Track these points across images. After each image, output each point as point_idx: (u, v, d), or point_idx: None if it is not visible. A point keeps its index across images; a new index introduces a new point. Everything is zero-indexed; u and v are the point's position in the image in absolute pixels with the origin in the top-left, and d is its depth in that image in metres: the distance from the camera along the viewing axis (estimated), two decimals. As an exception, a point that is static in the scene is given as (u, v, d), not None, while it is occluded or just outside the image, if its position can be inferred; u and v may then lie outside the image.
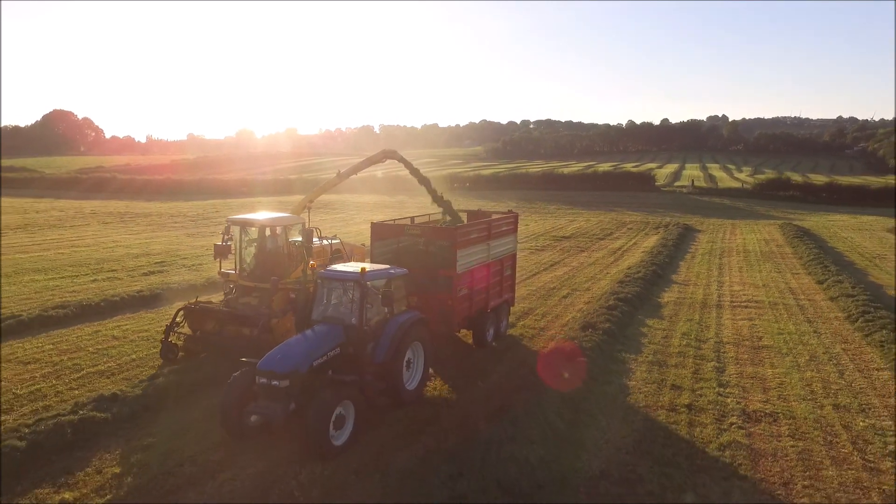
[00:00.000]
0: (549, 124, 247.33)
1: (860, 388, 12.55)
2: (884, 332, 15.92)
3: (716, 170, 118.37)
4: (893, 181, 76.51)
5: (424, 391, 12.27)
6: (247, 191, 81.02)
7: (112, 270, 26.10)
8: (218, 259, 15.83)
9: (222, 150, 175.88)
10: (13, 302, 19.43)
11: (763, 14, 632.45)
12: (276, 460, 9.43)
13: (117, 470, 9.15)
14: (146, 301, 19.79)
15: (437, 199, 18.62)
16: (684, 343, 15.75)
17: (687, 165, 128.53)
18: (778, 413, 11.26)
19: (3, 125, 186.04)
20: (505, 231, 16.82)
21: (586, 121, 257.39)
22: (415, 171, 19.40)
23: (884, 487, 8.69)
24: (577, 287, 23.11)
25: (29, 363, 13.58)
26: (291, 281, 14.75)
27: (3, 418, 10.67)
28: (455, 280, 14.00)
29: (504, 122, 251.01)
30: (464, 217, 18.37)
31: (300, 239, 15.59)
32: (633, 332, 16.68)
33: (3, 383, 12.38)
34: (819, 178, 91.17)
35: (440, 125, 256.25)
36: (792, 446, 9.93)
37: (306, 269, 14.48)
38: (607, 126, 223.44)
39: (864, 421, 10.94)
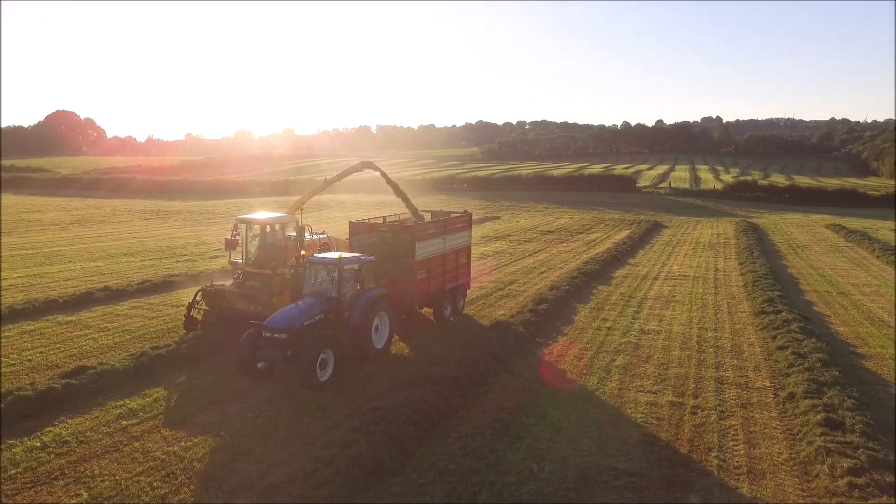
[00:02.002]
0: (544, 125, 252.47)
1: (722, 321, 19.51)
2: (758, 290, 22.88)
3: (704, 171, 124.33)
4: (872, 182, 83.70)
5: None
6: (259, 191, 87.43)
7: (185, 255, 32.83)
8: (228, 251, 18.68)
9: (224, 151, 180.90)
10: (132, 273, 26.23)
11: (757, 15, 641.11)
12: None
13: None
14: (229, 273, 26.50)
15: (406, 201, 22.35)
16: (619, 298, 22.67)
17: (677, 167, 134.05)
18: (662, 331, 18.19)
19: (6, 125, 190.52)
20: (459, 227, 20.21)
21: (581, 121, 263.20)
22: (388, 180, 22.95)
23: (702, 359, 15.60)
24: (552, 267, 29.98)
25: (179, 307, 20.37)
26: (288, 267, 17.45)
27: (186, 334, 17.45)
28: (414, 266, 17.26)
29: (500, 122, 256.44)
30: (428, 216, 21.66)
31: (295, 234, 18.37)
32: (585, 293, 23.59)
33: (166, 318, 19.14)
34: (802, 180, 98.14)
35: (437, 126, 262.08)
36: (661, 344, 16.85)
37: (299, 257, 17.55)
38: (601, 127, 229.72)
39: (711, 334, 17.89)
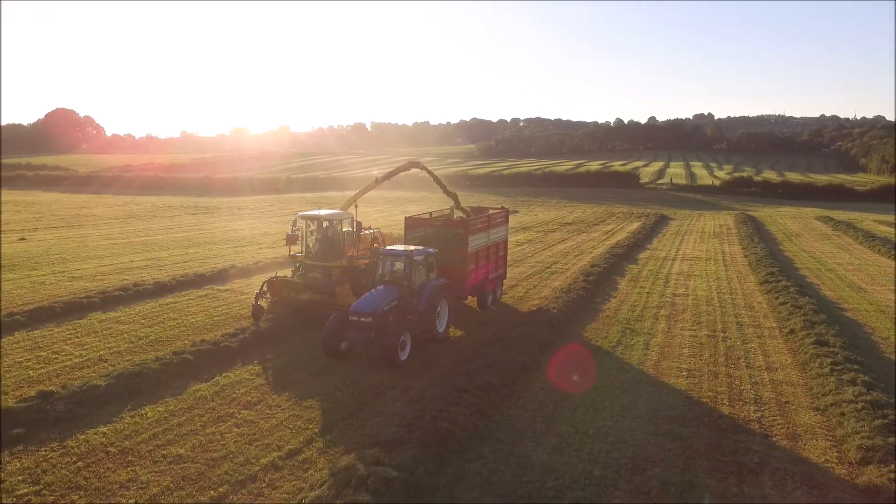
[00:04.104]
0: (538, 122, 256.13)
1: (734, 288, 24.68)
2: (761, 267, 28.09)
3: (698, 168, 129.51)
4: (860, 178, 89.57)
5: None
6: (281, 188, 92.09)
7: (260, 243, 37.60)
8: (288, 245, 19.96)
9: (221, 149, 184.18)
10: (237, 258, 31.02)
11: (748, 13, 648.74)
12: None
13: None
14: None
15: (453, 198, 23.43)
16: (649, 273, 27.81)
17: (672, 164, 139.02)
18: (689, 294, 23.34)
19: (5, 124, 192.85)
20: (499, 222, 22.03)
21: (575, 118, 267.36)
22: (435, 178, 23.99)
23: (724, 311, 20.73)
24: (583, 251, 35.08)
25: (300, 279, 25.24)
26: (355, 258, 19.34)
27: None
28: (467, 258, 18.93)
29: (494, 119, 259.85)
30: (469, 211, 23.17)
31: (350, 229, 19.93)
32: (619, 269, 28.73)
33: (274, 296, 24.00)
34: (793, 176, 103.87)
35: (431, 123, 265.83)
36: (691, 302, 21.99)
37: (356, 250, 19.30)
38: (596, 125, 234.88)
39: (728, 296, 23.07)
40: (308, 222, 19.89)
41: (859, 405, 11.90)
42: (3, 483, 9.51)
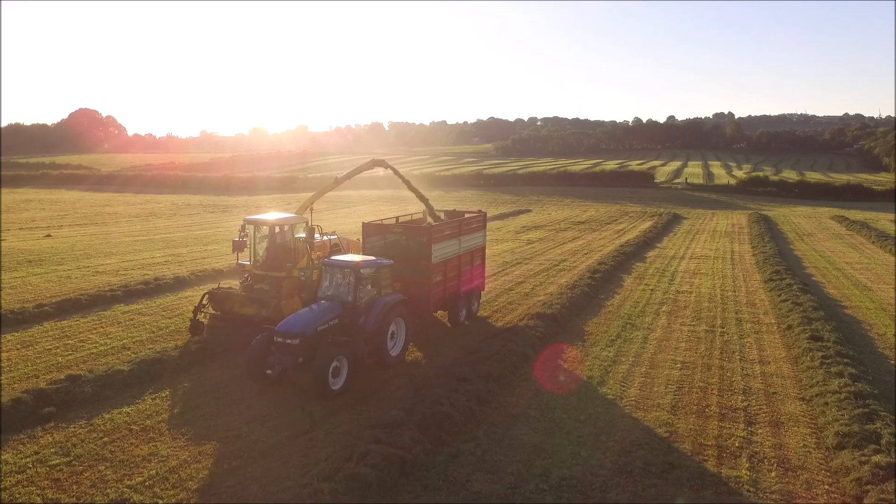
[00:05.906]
0: (556, 121, 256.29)
1: (738, 286, 25.09)
2: (767, 265, 28.42)
3: (716, 167, 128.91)
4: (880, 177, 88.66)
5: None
6: (298, 187, 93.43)
7: (277, 240, 38.58)
8: (235, 252, 18.16)
9: (241, 148, 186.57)
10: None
11: (770, 11, 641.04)
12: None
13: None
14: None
15: (423, 199, 21.35)
16: (655, 271, 28.27)
17: (690, 163, 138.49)
18: (693, 292, 23.81)
19: (30, 124, 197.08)
20: (475, 228, 19.57)
21: (593, 118, 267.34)
22: (402, 178, 22.03)
23: (725, 307, 21.19)
24: (592, 250, 35.57)
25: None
26: (301, 269, 17.27)
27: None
28: (430, 269, 16.73)
29: (512, 119, 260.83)
30: (442, 216, 21.04)
31: (304, 235, 17.91)
32: (626, 267, 29.22)
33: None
34: (812, 176, 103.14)
35: (448, 122, 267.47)
36: (693, 299, 22.47)
37: (309, 260, 17.46)
38: (613, 124, 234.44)
39: (731, 293, 23.50)
40: (256, 227, 17.91)
41: (843, 395, 12.39)
42: (37, 454, 10.43)
